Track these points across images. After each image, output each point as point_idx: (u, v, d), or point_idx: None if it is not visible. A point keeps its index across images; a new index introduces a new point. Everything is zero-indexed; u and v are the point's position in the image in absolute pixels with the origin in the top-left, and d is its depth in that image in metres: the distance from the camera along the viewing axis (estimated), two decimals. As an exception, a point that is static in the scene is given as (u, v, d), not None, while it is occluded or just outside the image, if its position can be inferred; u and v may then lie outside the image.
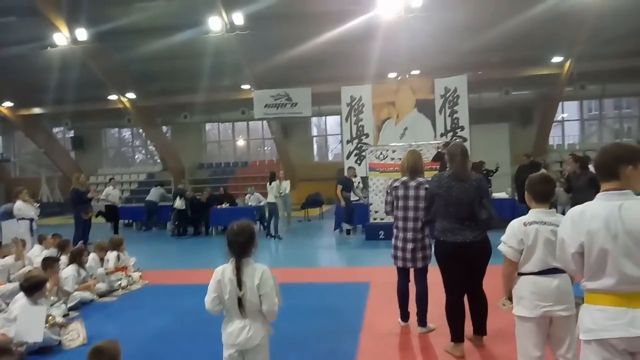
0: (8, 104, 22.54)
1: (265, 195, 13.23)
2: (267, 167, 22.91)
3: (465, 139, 12.78)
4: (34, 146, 24.97)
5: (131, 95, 21.20)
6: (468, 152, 4.21)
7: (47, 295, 5.26)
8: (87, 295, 6.26)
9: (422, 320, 4.64)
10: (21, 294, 4.80)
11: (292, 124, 22.95)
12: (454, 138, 12.88)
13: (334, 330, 4.91)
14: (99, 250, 7.23)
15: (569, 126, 23.50)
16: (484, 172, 11.68)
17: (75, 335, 4.88)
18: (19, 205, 9.12)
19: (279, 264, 8.91)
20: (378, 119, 14.04)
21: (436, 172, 7.99)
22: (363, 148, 13.19)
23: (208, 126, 26.50)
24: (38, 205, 10.05)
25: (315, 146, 25.86)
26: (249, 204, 14.03)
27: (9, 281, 6.29)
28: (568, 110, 23.08)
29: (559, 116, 21.93)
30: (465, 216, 3.95)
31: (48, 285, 5.26)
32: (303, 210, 16.27)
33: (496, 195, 11.03)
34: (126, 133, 28.60)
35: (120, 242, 7.55)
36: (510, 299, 3.06)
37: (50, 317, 4.83)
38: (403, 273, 4.74)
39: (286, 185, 12.32)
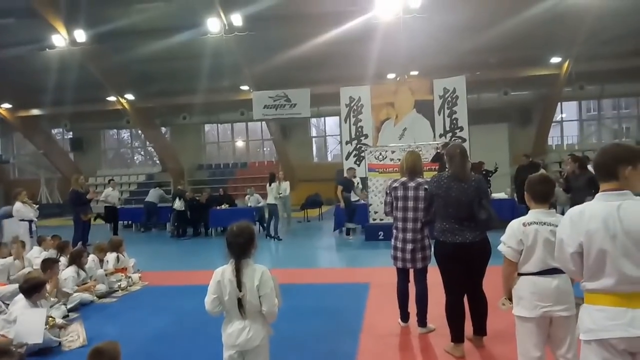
0: (7, 105, 22.53)
1: (264, 196, 13.23)
2: (266, 168, 22.91)
3: (464, 140, 12.78)
4: (33, 147, 24.93)
5: (130, 96, 21.20)
6: (467, 152, 4.21)
7: (47, 296, 5.26)
8: (86, 296, 6.26)
9: (422, 321, 4.64)
10: (21, 296, 4.80)
11: (291, 124, 22.96)
12: (453, 139, 12.88)
13: (333, 331, 4.91)
14: (99, 252, 7.23)
15: (568, 126, 23.53)
16: (484, 172, 11.69)
17: (75, 336, 4.88)
18: (18, 207, 9.12)
19: (279, 265, 8.91)
20: (377, 119, 14.04)
21: (435, 172, 8.00)
22: (362, 149, 13.19)
23: (207, 127, 26.51)
24: (37, 206, 10.04)
25: (314, 147, 25.86)
26: (249, 204, 14.03)
27: (9, 280, 6.29)
28: (567, 111, 23.11)
29: (557, 116, 21.95)
30: (464, 217, 3.96)
31: (48, 286, 5.27)
32: (302, 211, 16.26)
33: (495, 195, 11.04)
34: (125, 134, 28.58)
35: (119, 243, 7.55)
36: (510, 298, 3.06)
37: (50, 319, 4.83)
38: (403, 274, 4.74)
39: (286, 186, 12.31)
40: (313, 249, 10.90)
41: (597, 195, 2.27)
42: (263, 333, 2.92)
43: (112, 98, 21.05)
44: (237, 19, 15.78)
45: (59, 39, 16.87)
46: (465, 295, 4.14)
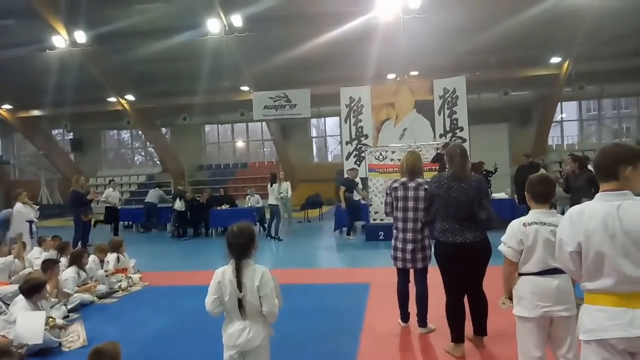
0: (7, 106, 22.55)
1: (264, 196, 13.23)
2: (266, 168, 22.93)
3: (464, 140, 12.79)
4: (33, 148, 24.96)
5: (130, 97, 21.22)
6: (467, 152, 4.21)
7: (47, 297, 5.26)
8: (87, 297, 6.27)
9: (422, 321, 4.64)
10: (21, 297, 4.80)
11: (291, 125, 22.96)
12: (453, 139, 12.88)
13: (334, 331, 4.91)
14: (99, 252, 7.23)
15: (568, 126, 23.53)
16: (484, 172, 11.69)
17: (76, 337, 4.88)
18: (19, 208, 9.12)
19: (279, 265, 8.91)
20: (377, 120, 14.04)
21: (435, 172, 8.00)
22: (362, 149, 13.19)
23: (207, 128, 26.51)
24: (37, 207, 10.05)
25: (314, 147, 25.87)
26: (249, 205, 14.04)
27: (10, 279, 6.29)
28: (567, 111, 23.12)
29: (557, 116, 21.96)
30: (464, 217, 3.96)
31: (48, 287, 5.27)
32: (303, 211, 16.27)
33: (496, 195, 11.04)
34: (125, 135, 28.61)
35: (120, 243, 7.56)
36: (510, 298, 3.07)
37: (50, 319, 4.83)
38: (403, 274, 4.74)
39: (287, 186, 12.31)
40: (313, 249, 10.90)
41: (597, 195, 2.28)
42: (263, 333, 2.92)
43: (112, 99, 21.07)
44: (237, 20, 15.79)
45: (59, 40, 16.89)
46: (466, 295, 4.14)
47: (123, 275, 7.22)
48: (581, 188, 6.67)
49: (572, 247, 2.24)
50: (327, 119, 24.80)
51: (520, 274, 3.00)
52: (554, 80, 18.41)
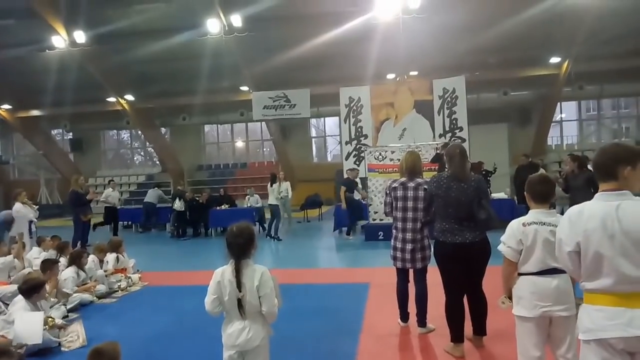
0: (6, 106, 22.55)
1: (264, 196, 13.21)
2: (266, 168, 22.94)
3: (464, 140, 12.79)
4: (33, 148, 24.96)
5: (130, 97, 21.22)
6: (467, 152, 4.22)
7: (47, 297, 5.26)
8: (86, 296, 6.26)
9: (421, 321, 4.64)
10: (20, 297, 4.80)
11: (290, 125, 22.97)
12: (453, 139, 12.88)
13: (333, 331, 4.91)
14: (99, 252, 7.23)
15: (568, 126, 23.55)
16: (483, 172, 11.70)
17: (75, 336, 4.88)
18: (18, 208, 9.11)
19: (279, 265, 8.91)
20: (377, 119, 14.04)
21: (435, 172, 8.01)
22: (362, 149, 13.19)
23: (207, 128, 26.53)
24: (37, 207, 10.04)
25: (314, 147, 25.88)
26: (249, 205, 14.04)
27: (9, 278, 6.29)
28: (566, 111, 23.13)
29: (557, 116, 21.98)
30: (464, 217, 3.96)
31: (47, 287, 5.27)
32: (302, 211, 16.27)
33: (495, 195, 11.04)
34: (125, 135, 28.59)
35: (119, 243, 7.56)
36: (510, 297, 3.07)
37: (49, 319, 4.83)
38: (402, 274, 4.75)
39: (286, 186, 12.30)
40: (313, 249, 10.90)
41: (596, 195, 2.28)
42: (263, 333, 2.92)
43: (111, 99, 21.08)
44: (236, 20, 15.80)
45: (59, 40, 16.89)
46: (465, 295, 4.14)
47: (122, 275, 7.22)
48: (580, 188, 6.66)
49: (570, 247, 2.24)
50: (326, 119, 24.81)
51: (520, 274, 3.00)
52: (554, 80, 18.42)
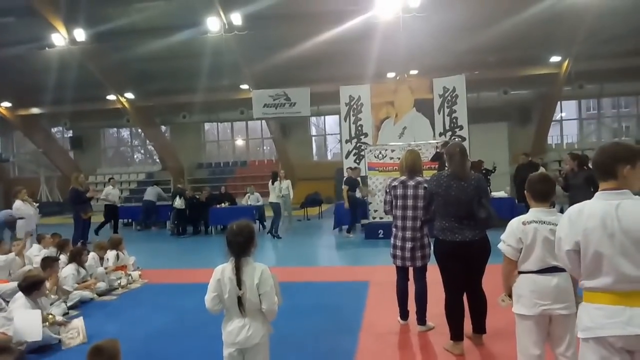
0: (7, 104, 22.54)
1: (264, 194, 13.20)
2: (266, 166, 22.95)
3: (464, 139, 12.77)
4: (33, 146, 24.95)
5: (130, 95, 21.22)
6: (467, 151, 4.22)
7: (47, 294, 5.27)
8: (86, 294, 6.28)
9: (421, 319, 4.65)
10: (20, 294, 4.80)
11: (291, 123, 22.96)
12: (453, 137, 12.87)
13: (333, 329, 4.91)
14: (99, 250, 7.25)
15: (568, 125, 23.55)
16: (483, 171, 11.70)
17: (75, 333, 4.88)
18: (18, 205, 9.12)
19: (279, 263, 8.92)
20: (377, 118, 14.02)
21: (435, 171, 8.01)
22: (362, 147, 13.19)
23: (207, 126, 26.53)
24: (37, 205, 10.05)
25: (314, 146, 25.88)
26: (249, 203, 14.05)
27: (10, 276, 6.29)
28: (566, 110, 23.14)
29: (557, 115, 21.97)
30: (464, 215, 3.96)
31: (48, 284, 5.27)
32: (302, 209, 16.28)
33: (495, 194, 11.04)
34: (125, 133, 28.60)
35: (119, 241, 7.58)
36: (510, 295, 3.07)
37: (50, 316, 4.84)
38: (402, 272, 4.75)
39: (287, 184, 12.30)
40: (313, 247, 10.91)
41: (596, 194, 2.28)
42: (263, 331, 2.92)
43: (112, 97, 21.06)
44: (236, 18, 15.79)
45: (59, 38, 16.88)
46: (465, 293, 4.15)
47: (122, 272, 7.23)
48: (580, 187, 6.67)
49: (570, 246, 2.25)
50: (326, 117, 24.81)
51: (520, 272, 3.00)
52: (554, 79, 18.42)
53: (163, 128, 25.42)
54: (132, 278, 7.27)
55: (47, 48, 17.27)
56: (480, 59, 17.16)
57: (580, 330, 2.24)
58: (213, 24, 15.89)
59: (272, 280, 2.91)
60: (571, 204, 2.40)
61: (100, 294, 6.53)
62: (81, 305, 6.08)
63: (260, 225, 13.05)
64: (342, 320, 5.18)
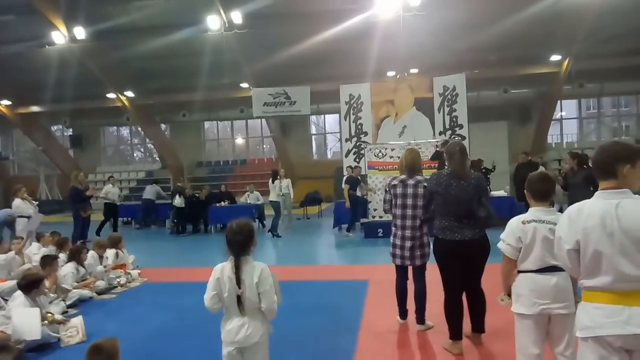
0: (6, 102, 22.53)
1: (264, 193, 13.18)
2: (266, 165, 22.95)
3: (464, 137, 12.78)
4: (33, 144, 24.93)
5: (130, 93, 21.21)
6: (467, 150, 4.22)
7: (46, 292, 5.26)
8: (86, 292, 6.27)
9: (420, 318, 4.65)
10: (19, 292, 4.80)
11: (291, 122, 22.96)
12: (453, 136, 12.87)
13: (332, 328, 4.91)
14: (98, 248, 7.24)
15: (568, 124, 23.55)
16: (483, 170, 11.70)
17: (74, 332, 4.88)
18: (18, 203, 9.12)
19: (278, 262, 8.93)
20: (377, 117, 14.03)
21: (435, 170, 8.01)
22: (362, 146, 13.20)
23: (207, 124, 26.52)
24: (37, 203, 10.05)
25: (314, 144, 25.88)
26: (248, 202, 14.04)
27: (10, 275, 6.30)
28: (566, 109, 23.14)
29: (557, 114, 21.97)
30: (464, 214, 3.96)
31: (47, 283, 5.27)
32: (302, 208, 16.28)
33: (495, 193, 11.04)
34: (125, 131, 28.59)
35: (119, 239, 7.58)
36: (509, 295, 3.07)
37: (49, 315, 4.84)
38: (401, 271, 4.75)
39: (287, 183, 12.29)
40: (312, 246, 10.92)
41: (596, 194, 2.28)
42: (262, 330, 2.92)
43: (111, 95, 21.06)
44: (236, 17, 15.77)
45: (59, 36, 16.86)
46: (464, 292, 4.14)
47: (122, 271, 7.23)
48: (579, 185, 6.67)
49: (570, 245, 2.24)
50: (326, 116, 24.81)
51: (519, 272, 3.00)
52: (554, 78, 18.41)
53: (163, 126, 25.42)
54: (131, 277, 7.27)
55: (47, 46, 17.27)
56: (480, 58, 17.15)
57: (579, 329, 2.24)
58: (213, 22, 15.88)
59: (271, 279, 2.91)
60: (571, 203, 2.40)
61: (99, 293, 6.53)
62: (80, 303, 6.08)
63: (260, 224, 13.05)
64: (341, 319, 5.18)
